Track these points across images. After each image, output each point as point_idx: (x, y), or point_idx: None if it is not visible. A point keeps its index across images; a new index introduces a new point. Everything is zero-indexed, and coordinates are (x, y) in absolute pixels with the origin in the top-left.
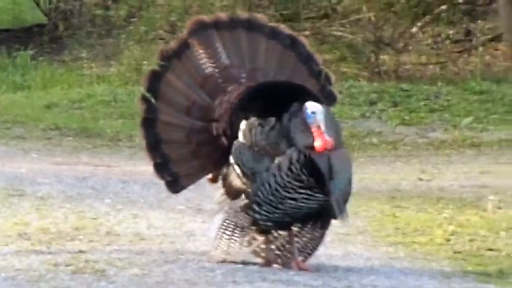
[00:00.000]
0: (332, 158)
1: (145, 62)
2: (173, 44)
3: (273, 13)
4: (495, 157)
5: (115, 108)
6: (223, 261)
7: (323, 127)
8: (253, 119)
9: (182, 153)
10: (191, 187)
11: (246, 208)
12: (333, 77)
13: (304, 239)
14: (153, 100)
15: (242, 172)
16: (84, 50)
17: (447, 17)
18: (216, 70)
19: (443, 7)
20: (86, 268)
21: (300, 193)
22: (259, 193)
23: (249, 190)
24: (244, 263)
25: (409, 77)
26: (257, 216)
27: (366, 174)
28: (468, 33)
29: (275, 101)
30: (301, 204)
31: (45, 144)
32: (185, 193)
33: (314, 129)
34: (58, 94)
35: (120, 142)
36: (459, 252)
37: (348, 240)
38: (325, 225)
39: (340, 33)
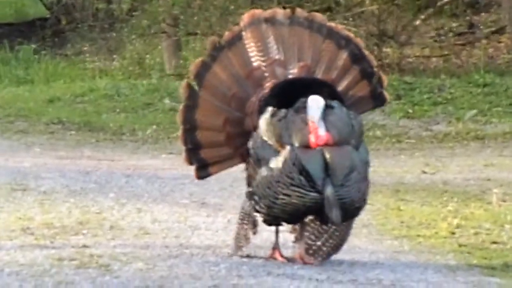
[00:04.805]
0: (328, 154)
1: (147, 55)
2: (226, 35)
3: (276, 6)
4: (499, 150)
5: (118, 102)
6: (238, 250)
7: (317, 122)
8: (268, 109)
9: (214, 141)
10: (196, 181)
11: (250, 198)
12: (385, 80)
13: (314, 233)
14: (196, 88)
15: (254, 160)
16: (87, 44)
17: (450, 9)
18: (264, 64)
19: None
20: (90, 262)
21: (293, 190)
22: (259, 185)
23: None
24: (249, 256)
25: (412, 70)
26: (257, 207)
27: (370, 168)
28: (471, 25)
29: (296, 97)
30: (295, 201)
31: (48, 138)
32: (189, 187)
33: (310, 124)
34: (60, 88)
35: (123, 136)
36: (464, 245)
37: (353, 233)
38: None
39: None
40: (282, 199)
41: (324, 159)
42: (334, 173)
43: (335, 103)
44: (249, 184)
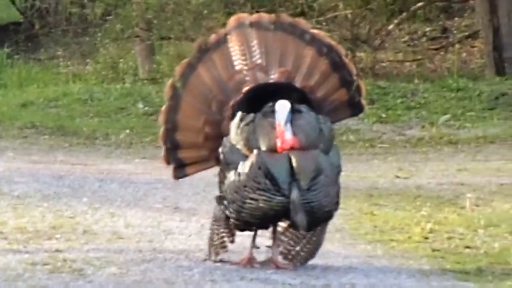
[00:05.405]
0: (294, 158)
1: (121, 60)
2: (212, 37)
3: (249, 11)
4: (473, 155)
5: (91, 107)
6: (213, 256)
7: (283, 126)
8: (238, 114)
9: (192, 142)
10: (169, 186)
11: (220, 202)
12: (364, 89)
13: (293, 239)
14: (180, 89)
15: (223, 164)
16: (60, 48)
17: (424, 14)
18: (245, 68)
19: (420, 4)
20: (63, 267)
21: (260, 195)
22: (228, 189)
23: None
24: (223, 261)
25: (385, 74)
26: (227, 212)
27: (343, 172)
28: (444, 30)
29: (266, 101)
30: (262, 206)
31: (21, 142)
32: (162, 192)
33: (277, 128)
34: (34, 93)
35: (97, 141)
36: (437, 250)
37: (326, 238)
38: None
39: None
40: (250, 203)
41: (290, 163)
42: (300, 177)
43: (303, 108)
44: (220, 189)
